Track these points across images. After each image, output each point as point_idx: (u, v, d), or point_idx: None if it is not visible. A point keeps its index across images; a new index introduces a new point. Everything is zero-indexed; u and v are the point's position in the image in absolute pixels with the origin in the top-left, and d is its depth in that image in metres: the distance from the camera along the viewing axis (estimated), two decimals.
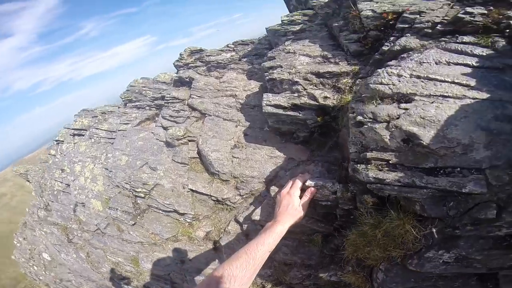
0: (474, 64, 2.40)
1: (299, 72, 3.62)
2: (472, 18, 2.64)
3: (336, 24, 3.72)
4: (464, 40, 2.66)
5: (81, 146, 6.52)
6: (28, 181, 8.92)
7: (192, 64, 5.84)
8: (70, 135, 7.17)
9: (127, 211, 4.97)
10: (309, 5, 4.22)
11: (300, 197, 2.59)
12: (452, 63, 2.54)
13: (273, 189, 3.60)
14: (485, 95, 1.99)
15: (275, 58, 3.94)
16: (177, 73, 6.14)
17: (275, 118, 3.78)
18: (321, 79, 3.49)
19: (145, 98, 6.13)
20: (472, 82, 2.19)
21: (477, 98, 2.00)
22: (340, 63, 3.51)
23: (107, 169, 5.48)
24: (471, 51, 2.50)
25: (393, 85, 2.54)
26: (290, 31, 4.20)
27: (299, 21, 4.15)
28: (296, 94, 3.64)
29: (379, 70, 2.69)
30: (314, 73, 3.58)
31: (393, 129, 2.11)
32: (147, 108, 6.05)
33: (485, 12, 2.67)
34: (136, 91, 6.29)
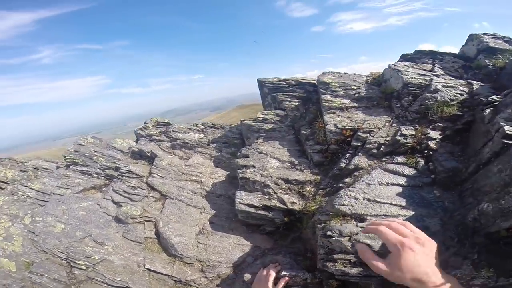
0: (403, 183, 3.26)
1: (270, 176, 4.07)
2: (405, 140, 3.61)
3: (304, 132, 4.47)
4: (398, 161, 3.57)
5: None
6: None
7: (156, 137, 5.81)
8: None
9: (57, 279, 3.99)
10: (282, 105, 5.04)
11: (275, 284, 3.00)
12: (390, 183, 3.35)
13: (247, 276, 3.61)
14: (411, 213, 2.80)
15: (248, 157, 4.36)
16: (137, 142, 5.95)
17: (246, 214, 3.96)
18: (289, 185, 3.98)
19: (95, 164, 5.58)
20: (403, 202, 2.96)
21: (406, 215, 2.80)
22: (304, 170, 4.14)
23: (33, 232, 4.49)
24: (401, 171, 3.39)
25: (352, 206, 3.16)
26: (262, 129, 4.81)
27: (272, 120, 4.84)
28: (267, 196, 4.00)
29: (341, 192, 3.33)
30: (283, 179, 4.09)
31: (353, 241, 2.66)
32: (95, 176, 5.45)
33: (413, 132, 3.66)
34: (86, 154, 5.71)
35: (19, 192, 5.50)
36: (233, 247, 4.01)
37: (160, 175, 4.96)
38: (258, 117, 4.98)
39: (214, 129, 5.93)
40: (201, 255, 4.03)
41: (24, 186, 5.58)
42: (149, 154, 5.48)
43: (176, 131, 5.81)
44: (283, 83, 5.44)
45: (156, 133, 5.92)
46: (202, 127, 5.94)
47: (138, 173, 5.00)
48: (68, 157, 5.84)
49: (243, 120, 5.25)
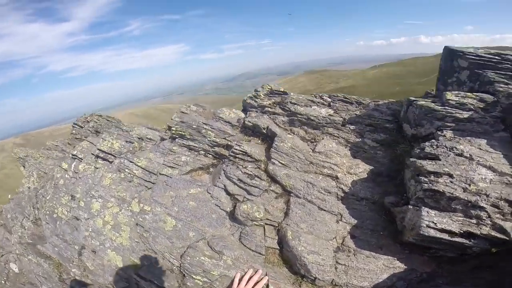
0: None
1: (484, 194, 2.43)
2: None
3: None
4: None
5: (105, 178, 5.16)
6: (24, 166, 7.61)
7: (269, 109, 4.67)
8: (93, 154, 5.85)
9: None
10: (492, 88, 3.13)
11: None
12: None
13: None
14: None
15: (439, 158, 2.75)
16: (246, 113, 4.97)
17: (430, 239, 2.54)
18: None
19: (203, 139, 4.85)
20: None
21: None
22: None
23: (142, 226, 4.13)
24: None
25: None
26: (452, 117, 3.07)
27: (471, 107, 3.02)
28: (474, 221, 2.43)
29: None
30: (505, 200, 2.41)
31: None
32: (203, 153, 4.76)
33: None
34: (194, 126, 5.03)
35: (126, 170, 5.17)
36: (382, 270, 2.89)
37: (283, 162, 3.83)
38: (449, 98, 3.17)
39: (346, 104, 4.39)
40: (339, 279, 2.92)
41: (131, 162, 5.22)
42: (264, 131, 4.41)
43: (295, 103, 4.52)
44: (497, 57, 3.45)
45: (270, 104, 4.76)
46: (329, 100, 4.47)
47: (254, 156, 4.00)
48: (174, 129, 5.30)
49: (414, 100, 3.52)
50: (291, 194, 3.58)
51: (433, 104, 3.33)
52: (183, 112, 5.51)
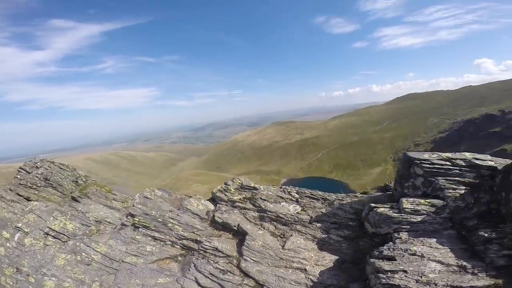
0: None
1: (434, 283, 2.76)
2: None
3: (483, 234, 3.08)
4: None
5: (58, 258, 4.55)
6: None
7: (240, 204, 4.75)
8: (41, 229, 5.20)
9: None
10: (442, 194, 3.62)
11: None
12: None
13: None
14: None
15: (395, 259, 3.05)
16: (216, 206, 4.96)
17: None
18: None
19: (171, 232, 4.67)
20: None
21: None
22: (479, 274, 2.89)
23: None
24: None
25: None
26: (407, 221, 3.50)
27: (424, 212, 3.49)
28: None
29: None
30: (452, 286, 2.73)
31: None
32: (169, 243, 4.52)
33: None
34: (159, 220, 4.86)
35: (83, 253, 4.74)
36: None
37: (254, 259, 3.82)
38: (405, 207, 3.60)
39: (313, 200, 4.66)
40: None
41: (88, 246, 4.82)
42: (235, 228, 4.40)
43: (264, 199, 4.68)
44: (448, 163, 3.99)
45: (240, 199, 4.86)
46: (297, 196, 4.73)
47: (226, 252, 3.94)
48: (138, 219, 5.03)
49: (375, 206, 3.90)
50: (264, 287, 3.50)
51: (391, 211, 3.73)
52: (146, 197, 5.34)
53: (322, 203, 4.57)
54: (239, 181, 5.00)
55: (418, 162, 4.00)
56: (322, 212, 4.39)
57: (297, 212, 4.45)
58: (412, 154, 4.30)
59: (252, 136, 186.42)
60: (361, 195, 4.66)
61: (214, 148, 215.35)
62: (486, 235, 3.16)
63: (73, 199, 6.31)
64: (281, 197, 4.72)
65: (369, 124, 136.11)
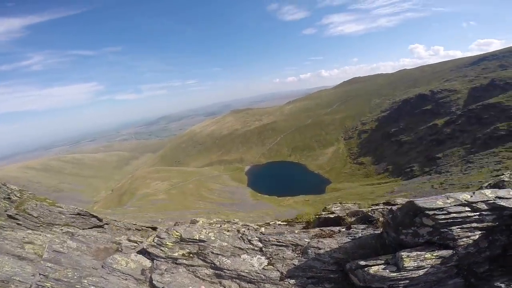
0: None
1: None
2: None
3: (500, 285, 2.30)
4: None
5: None
6: None
7: (184, 261, 3.45)
8: None
9: None
10: (454, 243, 2.76)
11: None
12: None
13: None
14: None
15: None
16: (153, 263, 3.57)
17: None
18: None
19: None
20: None
21: None
22: None
23: None
24: None
25: None
26: (407, 278, 2.60)
27: (429, 266, 2.60)
28: None
29: None
30: None
31: None
32: None
33: None
34: (77, 287, 3.35)
35: None
36: None
37: None
38: (407, 266, 2.69)
39: (281, 248, 3.57)
40: None
41: None
42: None
43: (218, 254, 3.45)
44: (467, 209, 3.06)
45: (184, 255, 3.55)
46: (260, 244, 3.59)
47: None
48: (49, 286, 3.42)
49: (365, 265, 2.93)
50: None
51: (387, 270, 2.82)
52: (57, 251, 3.73)
53: (292, 251, 3.53)
54: (177, 233, 3.67)
55: (431, 213, 3.11)
56: (295, 265, 3.35)
57: (264, 268, 3.33)
58: (421, 203, 3.24)
59: (210, 126, 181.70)
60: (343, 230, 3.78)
61: (170, 142, 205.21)
62: (503, 286, 2.38)
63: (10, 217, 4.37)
64: (239, 248, 3.54)
65: (320, 107, 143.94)
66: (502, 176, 6.35)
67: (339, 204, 6.30)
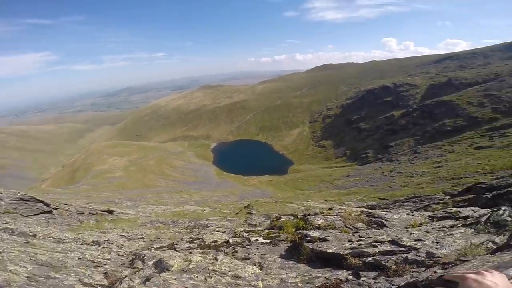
0: None
1: None
2: None
3: None
4: None
5: None
6: None
7: None
8: None
9: None
10: None
11: None
12: None
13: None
14: None
15: None
16: None
17: None
18: None
19: None
20: None
21: None
22: None
23: None
24: None
25: None
26: None
27: None
28: None
29: None
30: None
31: None
32: None
33: None
34: None
35: None
36: None
37: None
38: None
39: None
40: None
41: None
42: None
43: None
44: None
45: None
46: None
47: None
48: None
49: None
50: None
51: None
52: None
53: None
54: None
55: None
56: None
57: None
58: None
59: (177, 100, 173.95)
60: None
61: (131, 114, 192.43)
62: None
63: None
64: None
65: (291, 90, 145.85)
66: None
67: (321, 216, 6.59)
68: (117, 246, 8.65)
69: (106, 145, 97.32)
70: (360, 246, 3.83)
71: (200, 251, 5.99)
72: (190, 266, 4.08)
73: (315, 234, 5.05)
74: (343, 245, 4.15)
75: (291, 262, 4.39)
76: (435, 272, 2.93)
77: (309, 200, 27.54)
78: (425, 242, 3.44)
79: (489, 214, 4.09)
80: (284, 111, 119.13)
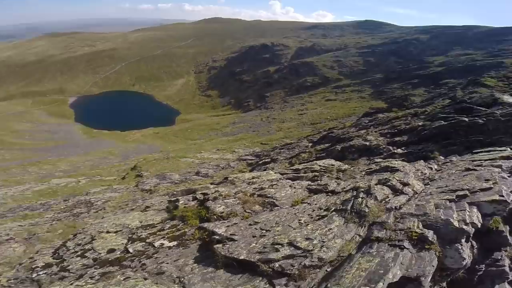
0: None
1: None
2: None
3: None
4: None
5: None
6: None
7: None
8: None
9: None
10: None
11: None
12: None
13: None
14: None
15: None
16: None
17: None
18: None
19: None
20: None
21: None
22: None
23: None
24: None
25: None
26: None
27: None
28: None
29: None
30: None
31: None
32: None
33: None
34: None
35: None
36: None
37: None
38: None
39: None
40: None
41: None
42: None
43: None
44: None
45: None
46: None
47: None
48: None
49: None
50: None
51: None
52: None
53: None
54: None
55: None
56: None
57: None
58: None
59: (5, 51, 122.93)
60: None
61: None
62: None
63: None
64: None
65: (174, 40, 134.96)
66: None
67: (221, 201, 6.55)
68: None
69: None
70: (265, 249, 4.30)
71: (102, 271, 4.86)
72: None
73: (221, 230, 5.15)
74: (251, 246, 4.46)
75: (210, 269, 4.34)
76: (327, 271, 3.95)
77: (201, 151, 27.89)
78: (314, 242, 4.31)
79: (352, 201, 5.48)
80: (166, 61, 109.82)
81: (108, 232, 6.82)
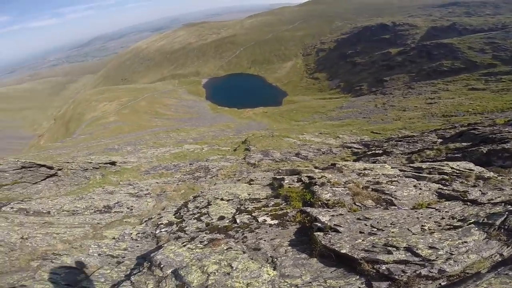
0: None
1: None
2: None
3: None
4: None
5: None
6: None
7: None
8: None
9: None
10: None
11: None
12: None
13: None
14: None
15: None
16: None
17: None
18: None
19: None
20: None
21: None
22: None
23: None
24: None
25: None
26: None
27: None
28: None
29: None
30: None
31: None
32: None
33: None
34: None
35: None
36: None
37: None
38: None
39: None
40: None
41: None
42: None
43: None
44: None
45: None
46: None
47: None
48: None
49: None
50: None
51: None
52: None
53: None
54: None
55: None
56: None
57: None
58: None
59: (159, 41, 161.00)
60: None
61: (111, 61, 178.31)
62: None
63: None
64: None
65: (282, 23, 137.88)
66: None
67: (328, 188, 6.26)
68: (128, 208, 8.68)
69: (93, 93, 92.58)
70: (374, 249, 3.81)
71: (210, 237, 5.35)
72: (209, 282, 3.82)
73: (325, 218, 4.80)
74: (356, 242, 4.06)
75: (304, 255, 4.22)
76: (440, 284, 3.25)
77: (304, 133, 27.79)
78: (439, 253, 3.51)
79: (505, 216, 4.12)
80: (276, 44, 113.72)
81: (222, 199, 7.54)
